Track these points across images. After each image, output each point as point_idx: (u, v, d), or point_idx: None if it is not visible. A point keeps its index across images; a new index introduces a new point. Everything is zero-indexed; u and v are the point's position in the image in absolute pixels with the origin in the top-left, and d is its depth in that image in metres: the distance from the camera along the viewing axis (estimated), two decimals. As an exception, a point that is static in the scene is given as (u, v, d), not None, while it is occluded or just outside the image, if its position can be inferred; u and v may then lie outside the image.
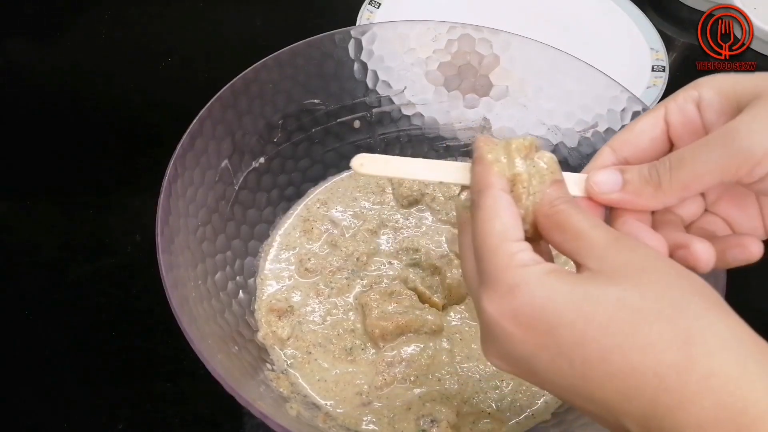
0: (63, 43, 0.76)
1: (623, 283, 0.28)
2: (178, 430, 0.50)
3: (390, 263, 0.54)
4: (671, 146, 0.35)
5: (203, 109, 0.47)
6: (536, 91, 0.57)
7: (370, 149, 0.60)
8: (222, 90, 0.49)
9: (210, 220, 0.48)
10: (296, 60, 0.53)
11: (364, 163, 0.35)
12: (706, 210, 0.36)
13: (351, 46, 0.55)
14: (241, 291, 0.50)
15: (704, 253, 0.32)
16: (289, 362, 0.49)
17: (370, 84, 0.57)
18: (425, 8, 0.79)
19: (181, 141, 0.45)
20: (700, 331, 0.26)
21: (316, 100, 0.56)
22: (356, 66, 0.56)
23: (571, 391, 0.29)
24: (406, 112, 0.59)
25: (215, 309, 0.45)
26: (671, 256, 0.33)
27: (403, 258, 0.54)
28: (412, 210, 0.58)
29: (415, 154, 0.61)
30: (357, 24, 0.75)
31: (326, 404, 0.47)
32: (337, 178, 0.59)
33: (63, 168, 0.65)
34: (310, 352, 0.49)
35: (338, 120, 0.57)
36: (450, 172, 0.36)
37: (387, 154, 0.60)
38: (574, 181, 0.35)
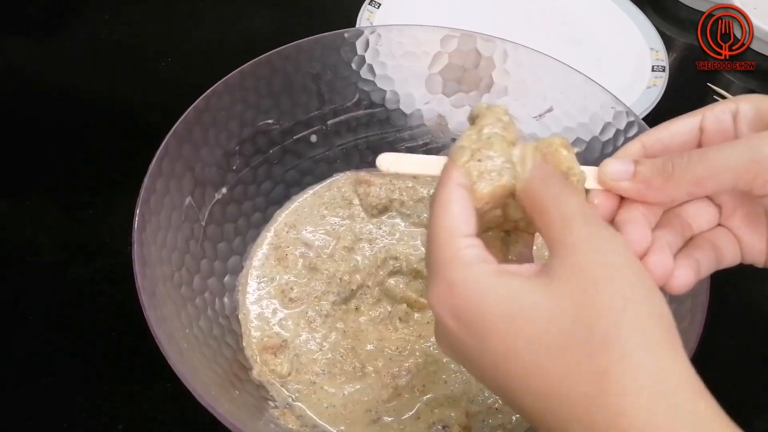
0: (63, 43, 0.76)
1: (562, 301, 0.27)
2: (178, 430, 0.49)
3: (373, 276, 0.53)
4: None
5: (159, 148, 0.45)
6: (535, 97, 0.56)
7: (330, 162, 0.59)
8: (176, 125, 0.46)
9: (183, 262, 0.46)
10: (245, 82, 0.51)
11: (388, 164, 0.37)
12: (719, 224, 0.36)
13: (344, 51, 0.55)
14: (227, 331, 0.48)
15: (657, 268, 0.32)
16: (294, 396, 0.47)
17: (367, 88, 0.57)
18: (425, 8, 0.79)
19: (144, 185, 0.43)
20: (619, 368, 0.26)
21: (269, 120, 0.54)
22: (354, 67, 0.56)
23: (500, 393, 0.30)
24: (402, 116, 0.59)
25: (207, 356, 0.43)
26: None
27: (385, 268, 0.53)
28: (383, 218, 0.57)
29: (374, 160, 0.60)
30: (357, 24, 0.75)
31: (337, 430, 0.46)
32: (301, 197, 0.58)
33: (63, 168, 0.64)
34: (315, 382, 0.48)
35: (294, 137, 0.56)
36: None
37: (347, 162, 0.60)
38: (589, 174, 0.35)
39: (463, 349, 0.30)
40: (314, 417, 0.46)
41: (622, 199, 0.35)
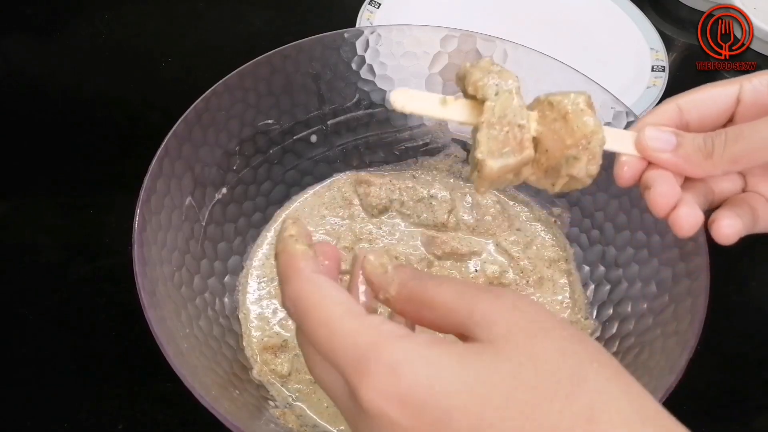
0: (63, 43, 0.76)
1: (515, 355, 0.24)
2: (178, 430, 0.49)
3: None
4: (727, 124, 0.36)
5: (160, 148, 0.45)
6: (534, 97, 0.57)
7: (330, 162, 0.59)
8: (176, 125, 0.46)
9: (183, 262, 0.46)
10: (245, 82, 0.51)
11: (405, 102, 0.35)
12: (745, 190, 0.37)
13: (344, 51, 0.55)
14: (227, 331, 0.48)
15: (688, 218, 0.34)
16: (294, 396, 0.47)
17: (367, 88, 0.57)
18: (425, 7, 0.79)
19: (144, 185, 0.43)
20: (603, 406, 0.24)
21: (269, 120, 0.54)
22: (354, 67, 0.55)
23: None
24: (402, 116, 0.58)
25: (207, 356, 0.43)
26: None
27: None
28: (383, 218, 0.57)
29: (375, 159, 0.60)
30: (357, 24, 0.75)
31: (337, 430, 0.46)
32: (301, 198, 0.58)
33: (63, 168, 0.64)
34: (315, 382, 0.48)
35: (294, 137, 0.56)
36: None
37: (347, 162, 0.60)
38: (623, 137, 0.36)
39: None
40: (314, 416, 0.46)
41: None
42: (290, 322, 0.51)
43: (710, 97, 0.36)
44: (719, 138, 0.34)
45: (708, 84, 0.36)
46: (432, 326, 0.28)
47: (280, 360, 0.48)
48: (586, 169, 0.34)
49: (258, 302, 0.52)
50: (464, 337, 0.27)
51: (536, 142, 0.35)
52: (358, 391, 0.25)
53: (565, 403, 0.23)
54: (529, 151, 0.34)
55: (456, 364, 0.24)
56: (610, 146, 0.36)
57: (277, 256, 0.30)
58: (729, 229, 0.34)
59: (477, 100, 0.35)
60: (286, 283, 0.28)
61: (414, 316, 0.29)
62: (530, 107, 0.36)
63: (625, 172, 0.36)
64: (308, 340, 0.27)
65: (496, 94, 0.34)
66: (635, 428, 0.23)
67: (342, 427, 0.46)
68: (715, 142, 0.34)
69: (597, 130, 0.34)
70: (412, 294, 0.28)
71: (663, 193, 0.34)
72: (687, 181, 0.36)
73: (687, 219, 0.34)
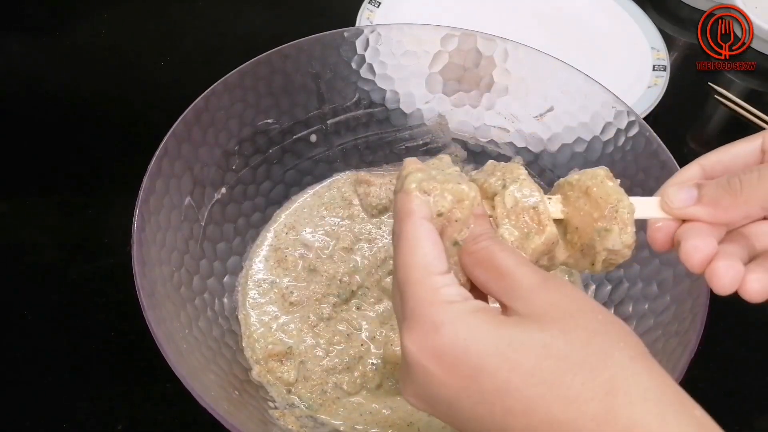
0: (63, 43, 0.76)
1: (549, 328, 0.27)
2: (178, 430, 0.49)
3: (372, 276, 0.53)
4: None
5: (159, 148, 0.45)
6: (535, 97, 0.56)
7: (330, 162, 0.59)
8: (175, 124, 0.46)
9: (183, 262, 0.46)
10: (244, 82, 0.51)
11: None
12: None
13: (344, 50, 0.54)
14: (226, 332, 0.48)
15: (728, 270, 0.31)
16: (306, 405, 0.47)
17: (367, 87, 0.57)
18: (425, 6, 0.79)
19: (143, 185, 0.43)
20: (623, 380, 0.26)
21: (269, 120, 0.54)
22: (354, 66, 0.55)
23: None
24: (402, 115, 0.58)
25: (207, 357, 0.43)
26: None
27: (384, 268, 0.53)
28: (383, 218, 0.57)
29: (375, 159, 0.60)
30: (357, 23, 0.75)
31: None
32: (300, 198, 0.58)
33: (63, 168, 0.64)
34: (326, 391, 0.47)
35: (294, 137, 0.56)
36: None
37: (347, 162, 0.59)
38: (649, 204, 0.35)
39: (445, 395, 0.28)
40: (327, 418, 0.46)
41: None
42: (292, 326, 0.50)
43: (734, 154, 0.35)
44: (750, 175, 0.32)
45: (730, 143, 0.36)
46: (482, 287, 0.31)
47: (285, 368, 0.48)
48: (620, 238, 0.34)
49: (258, 305, 0.52)
50: (505, 307, 0.30)
51: (565, 223, 0.36)
52: (404, 340, 0.29)
53: (588, 376, 0.26)
54: (550, 228, 0.34)
55: (493, 331, 0.27)
56: (639, 214, 0.35)
57: (395, 194, 0.33)
58: (755, 284, 0.31)
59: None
60: (397, 219, 0.32)
61: (469, 270, 0.32)
62: (552, 192, 0.37)
63: (659, 237, 0.35)
64: (396, 267, 0.31)
65: (503, 187, 0.35)
66: (652, 403, 0.25)
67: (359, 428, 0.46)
68: (743, 180, 0.32)
69: (621, 197, 0.34)
70: (477, 253, 0.31)
71: (695, 246, 0.32)
72: (726, 236, 0.34)
73: (726, 272, 0.31)
